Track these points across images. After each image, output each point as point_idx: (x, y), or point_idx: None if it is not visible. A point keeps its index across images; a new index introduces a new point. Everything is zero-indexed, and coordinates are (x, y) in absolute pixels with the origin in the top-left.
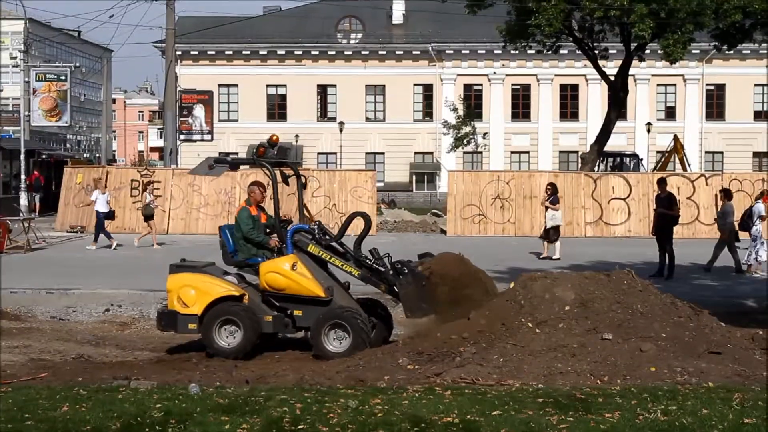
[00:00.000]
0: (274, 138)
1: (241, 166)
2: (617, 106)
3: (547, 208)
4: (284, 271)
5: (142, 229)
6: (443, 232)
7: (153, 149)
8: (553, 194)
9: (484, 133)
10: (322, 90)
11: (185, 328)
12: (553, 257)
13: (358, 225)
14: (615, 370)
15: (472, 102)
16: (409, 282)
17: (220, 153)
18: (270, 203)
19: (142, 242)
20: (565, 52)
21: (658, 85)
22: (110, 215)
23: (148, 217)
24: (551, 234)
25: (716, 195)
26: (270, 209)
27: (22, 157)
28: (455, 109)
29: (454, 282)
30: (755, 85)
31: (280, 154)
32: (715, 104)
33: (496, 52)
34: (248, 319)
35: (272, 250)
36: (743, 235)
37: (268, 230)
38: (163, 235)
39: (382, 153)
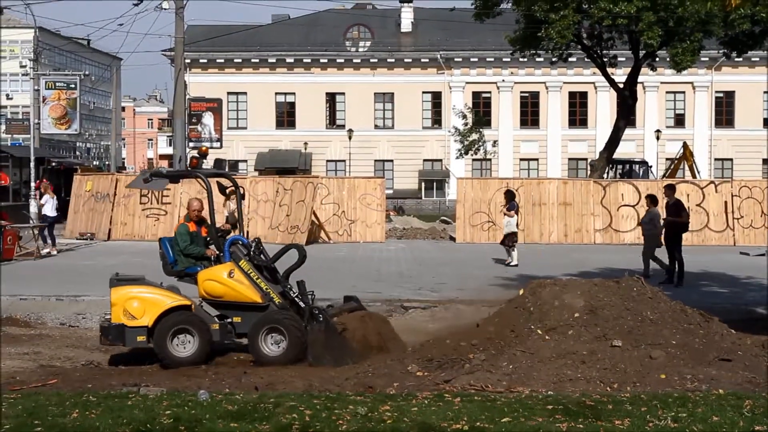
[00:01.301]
0: (204, 149)
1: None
2: (626, 114)
3: (504, 215)
4: (222, 279)
5: None
6: (452, 239)
7: (162, 157)
8: (509, 201)
9: (494, 141)
10: (331, 98)
11: (134, 341)
12: (511, 264)
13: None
14: (625, 377)
15: (481, 109)
16: (320, 330)
17: (228, 160)
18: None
19: None
20: (574, 59)
21: (667, 92)
22: (58, 219)
23: (234, 226)
24: (507, 241)
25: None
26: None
27: (31, 164)
28: (464, 116)
29: (362, 342)
30: (764, 92)
31: (216, 166)
32: (724, 111)
33: (504, 59)
34: (202, 327)
35: (209, 260)
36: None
37: (210, 242)
38: None
39: (391, 160)
